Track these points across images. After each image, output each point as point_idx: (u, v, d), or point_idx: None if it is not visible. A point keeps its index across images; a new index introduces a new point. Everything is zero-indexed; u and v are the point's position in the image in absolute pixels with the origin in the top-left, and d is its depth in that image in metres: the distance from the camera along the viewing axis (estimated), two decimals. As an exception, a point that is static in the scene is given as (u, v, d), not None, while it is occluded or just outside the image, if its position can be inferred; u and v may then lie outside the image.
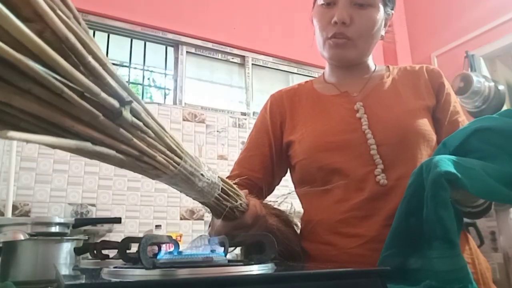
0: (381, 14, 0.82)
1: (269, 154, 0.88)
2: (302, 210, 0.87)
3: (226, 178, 0.78)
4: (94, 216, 2.15)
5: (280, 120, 0.89)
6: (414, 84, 0.85)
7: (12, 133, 0.32)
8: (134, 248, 0.65)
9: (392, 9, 0.88)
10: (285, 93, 0.93)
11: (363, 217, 0.73)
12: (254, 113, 2.91)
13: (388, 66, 0.91)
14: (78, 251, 0.91)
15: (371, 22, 0.81)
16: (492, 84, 2.76)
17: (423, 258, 0.55)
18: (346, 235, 0.75)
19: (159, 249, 0.57)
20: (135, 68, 2.66)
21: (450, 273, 0.51)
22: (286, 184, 0.92)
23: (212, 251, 0.56)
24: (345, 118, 0.80)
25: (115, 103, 0.38)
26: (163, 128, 0.47)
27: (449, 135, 0.69)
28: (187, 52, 2.78)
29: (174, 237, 0.61)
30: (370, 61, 0.90)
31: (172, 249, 0.59)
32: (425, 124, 0.77)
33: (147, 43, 2.70)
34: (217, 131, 2.67)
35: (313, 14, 0.86)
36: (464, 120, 0.83)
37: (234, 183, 0.69)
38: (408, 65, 0.90)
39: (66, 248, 0.89)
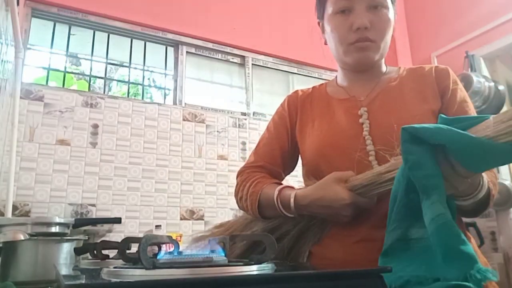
0: (392, 13, 0.85)
1: (287, 148, 0.94)
2: None
3: (246, 166, 0.95)
4: (94, 216, 2.14)
5: (295, 118, 0.95)
6: (420, 87, 0.85)
7: None
8: (134, 248, 0.65)
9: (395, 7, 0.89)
10: (300, 95, 0.97)
11: (356, 220, 0.76)
12: (254, 113, 2.90)
13: (399, 68, 0.92)
14: (78, 251, 0.90)
15: (388, 22, 0.83)
16: (492, 84, 2.76)
17: (424, 228, 0.55)
18: (339, 235, 0.79)
19: (159, 249, 0.57)
20: (135, 68, 2.66)
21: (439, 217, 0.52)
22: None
23: (212, 251, 0.56)
24: (348, 124, 0.83)
25: None
26: None
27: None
28: (187, 52, 2.78)
29: (174, 237, 0.61)
30: (383, 62, 0.91)
31: (172, 249, 0.59)
32: None
33: (147, 43, 2.70)
34: (217, 131, 2.67)
35: (328, 22, 0.86)
36: (472, 110, 0.81)
37: (261, 176, 0.89)
38: (419, 66, 0.91)
39: (66, 248, 0.89)
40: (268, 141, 0.96)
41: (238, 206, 0.94)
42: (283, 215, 0.81)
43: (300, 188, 0.80)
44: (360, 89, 0.88)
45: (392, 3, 0.85)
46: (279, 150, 0.94)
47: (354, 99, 0.87)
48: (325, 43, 0.93)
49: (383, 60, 0.90)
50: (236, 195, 0.94)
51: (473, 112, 0.82)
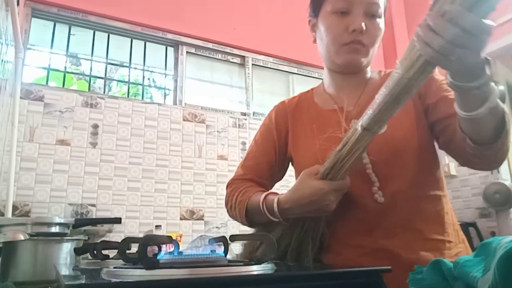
0: (383, 24, 0.87)
1: (275, 161, 0.96)
2: None
3: (234, 178, 0.97)
4: (94, 216, 2.14)
5: (285, 131, 0.96)
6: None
7: None
8: (134, 248, 0.65)
9: None
10: (288, 105, 0.98)
11: (366, 231, 0.80)
12: (254, 113, 2.90)
13: (379, 71, 0.94)
14: (78, 251, 0.90)
15: (380, 31, 0.86)
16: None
17: None
18: (352, 246, 0.81)
19: (159, 249, 0.57)
20: (135, 68, 2.66)
21: None
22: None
23: (212, 251, 0.56)
24: (342, 138, 0.81)
25: None
26: None
27: (443, 111, 0.78)
28: (187, 52, 2.78)
29: (174, 237, 0.61)
30: (369, 69, 0.93)
31: (172, 249, 0.59)
32: (413, 136, 0.81)
33: (147, 43, 2.70)
34: (217, 131, 2.67)
35: (323, 21, 0.88)
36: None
37: (248, 186, 0.91)
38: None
39: (66, 248, 0.89)
40: (256, 155, 0.98)
41: (229, 215, 0.95)
42: (269, 220, 0.82)
43: (282, 194, 0.81)
44: (347, 97, 0.89)
45: (383, 15, 0.87)
46: (267, 164, 0.95)
47: (342, 110, 0.88)
48: (314, 42, 0.94)
49: (369, 67, 0.92)
50: (226, 205, 0.96)
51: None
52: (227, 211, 0.96)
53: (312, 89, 0.99)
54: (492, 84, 0.63)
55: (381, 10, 0.85)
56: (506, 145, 0.70)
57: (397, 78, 0.62)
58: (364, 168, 0.80)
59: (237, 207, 0.89)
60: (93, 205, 2.18)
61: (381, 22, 0.85)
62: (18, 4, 1.77)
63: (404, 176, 0.80)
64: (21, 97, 2.06)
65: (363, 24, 0.81)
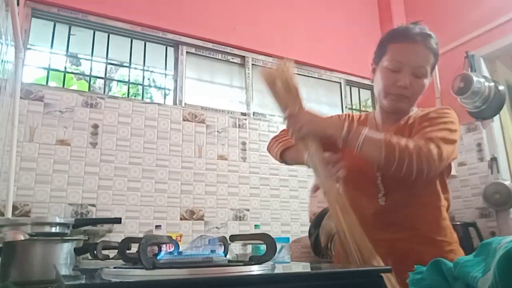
0: (428, 81, 1.10)
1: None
2: None
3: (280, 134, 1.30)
4: (94, 217, 2.14)
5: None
6: (421, 126, 1.08)
7: None
8: (134, 248, 0.65)
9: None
10: (352, 116, 1.26)
11: (370, 226, 1.00)
12: (254, 113, 2.90)
13: (422, 109, 1.16)
14: (78, 252, 0.90)
15: (422, 87, 1.10)
16: (492, 84, 2.76)
17: None
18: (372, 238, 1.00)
19: (159, 249, 0.57)
20: (135, 68, 2.66)
21: None
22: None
23: (212, 251, 0.56)
24: None
25: None
26: None
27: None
28: (187, 52, 2.77)
29: (174, 238, 0.61)
30: (412, 108, 1.15)
31: (172, 249, 0.59)
32: None
33: (147, 43, 2.70)
34: (217, 131, 2.67)
35: (380, 71, 1.12)
36: (432, 131, 1.01)
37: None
38: (428, 109, 1.15)
39: (66, 249, 0.88)
40: None
41: (267, 149, 1.28)
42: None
43: None
44: (387, 128, 1.13)
45: (430, 73, 1.09)
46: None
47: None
48: (372, 81, 1.21)
49: (412, 108, 1.15)
50: (268, 145, 1.28)
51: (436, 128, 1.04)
52: (267, 148, 1.28)
53: (372, 112, 1.26)
54: (356, 135, 0.97)
55: (427, 70, 1.07)
56: (406, 165, 0.92)
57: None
58: (375, 179, 1.08)
59: (277, 147, 1.20)
60: (93, 205, 2.17)
61: (426, 80, 1.09)
62: (18, 4, 1.77)
63: (405, 188, 1.04)
64: (21, 97, 2.05)
65: (407, 82, 1.06)
